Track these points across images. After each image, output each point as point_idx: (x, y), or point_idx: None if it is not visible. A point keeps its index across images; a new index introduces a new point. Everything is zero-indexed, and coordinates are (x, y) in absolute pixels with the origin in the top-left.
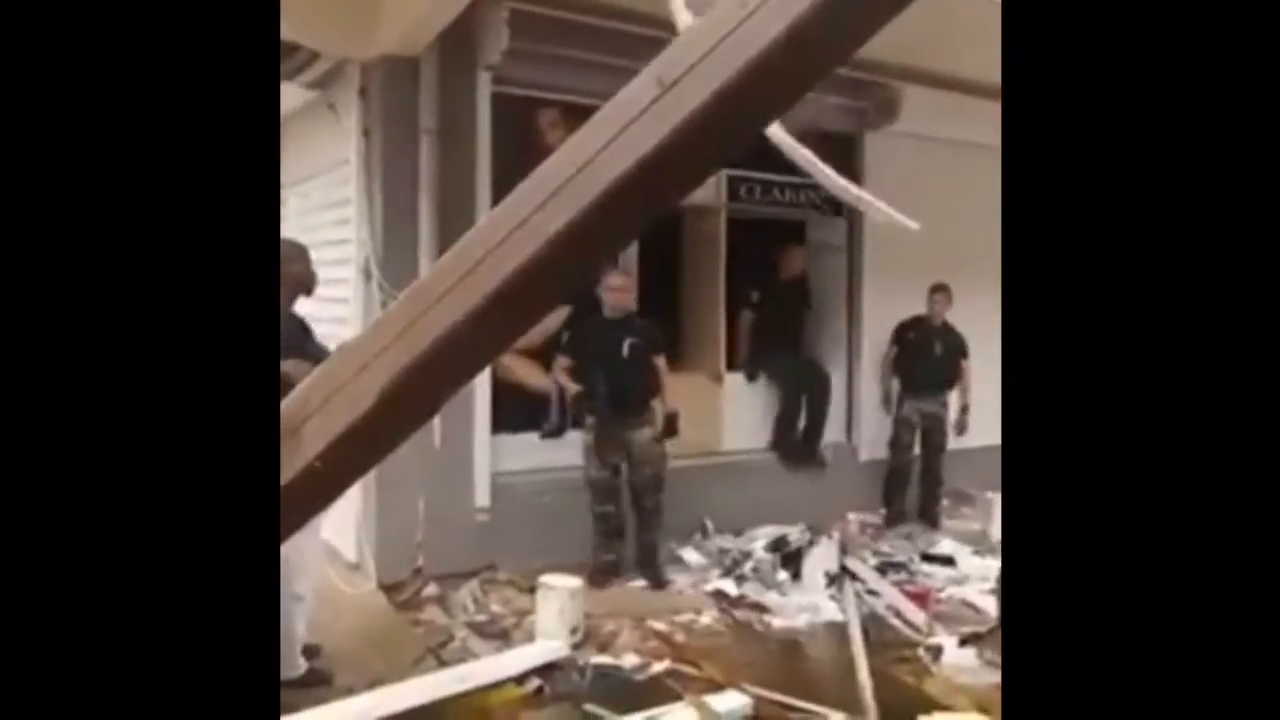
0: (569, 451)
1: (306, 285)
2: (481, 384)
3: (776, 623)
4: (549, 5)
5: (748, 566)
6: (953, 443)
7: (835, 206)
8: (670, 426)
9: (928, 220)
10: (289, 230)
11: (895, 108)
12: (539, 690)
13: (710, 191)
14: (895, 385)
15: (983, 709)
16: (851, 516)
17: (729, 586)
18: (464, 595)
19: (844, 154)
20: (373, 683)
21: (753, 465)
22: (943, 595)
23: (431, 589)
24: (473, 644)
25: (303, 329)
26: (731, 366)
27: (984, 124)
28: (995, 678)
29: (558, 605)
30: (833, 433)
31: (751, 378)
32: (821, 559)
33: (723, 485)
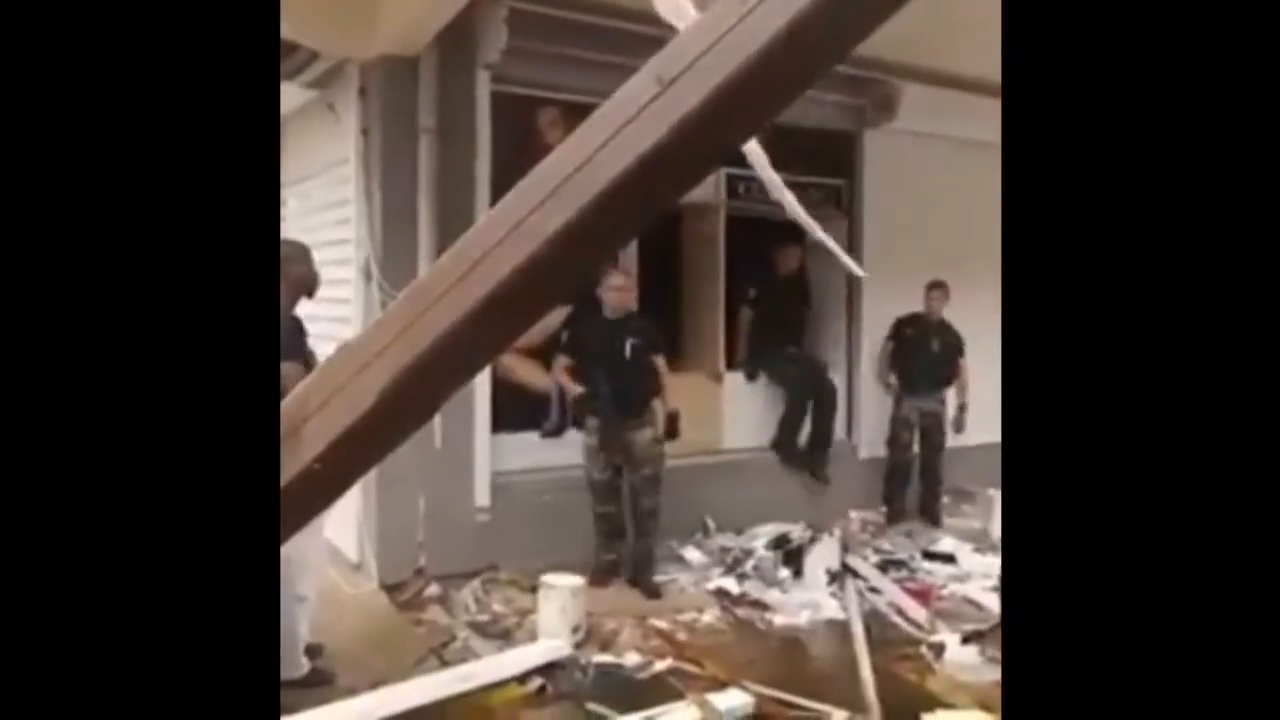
0: (569, 451)
1: (309, 286)
2: (481, 383)
3: (778, 621)
4: (548, 4)
5: (749, 565)
6: (953, 440)
7: (835, 204)
8: (671, 427)
9: (927, 218)
10: (289, 231)
11: (894, 105)
12: (541, 689)
13: (709, 190)
14: (893, 380)
15: (985, 706)
16: (853, 514)
17: (731, 585)
18: (466, 595)
19: (842, 151)
20: (375, 683)
21: (753, 464)
22: (944, 593)
23: (433, 589)
24: (475, 643)
25: (300, 331)
26: (731, 365)
27: (983, 121)
28: (997, 675)
29: (559, 604)
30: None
31: (751, 377)
32: (823, 557)
33: (724, 484)
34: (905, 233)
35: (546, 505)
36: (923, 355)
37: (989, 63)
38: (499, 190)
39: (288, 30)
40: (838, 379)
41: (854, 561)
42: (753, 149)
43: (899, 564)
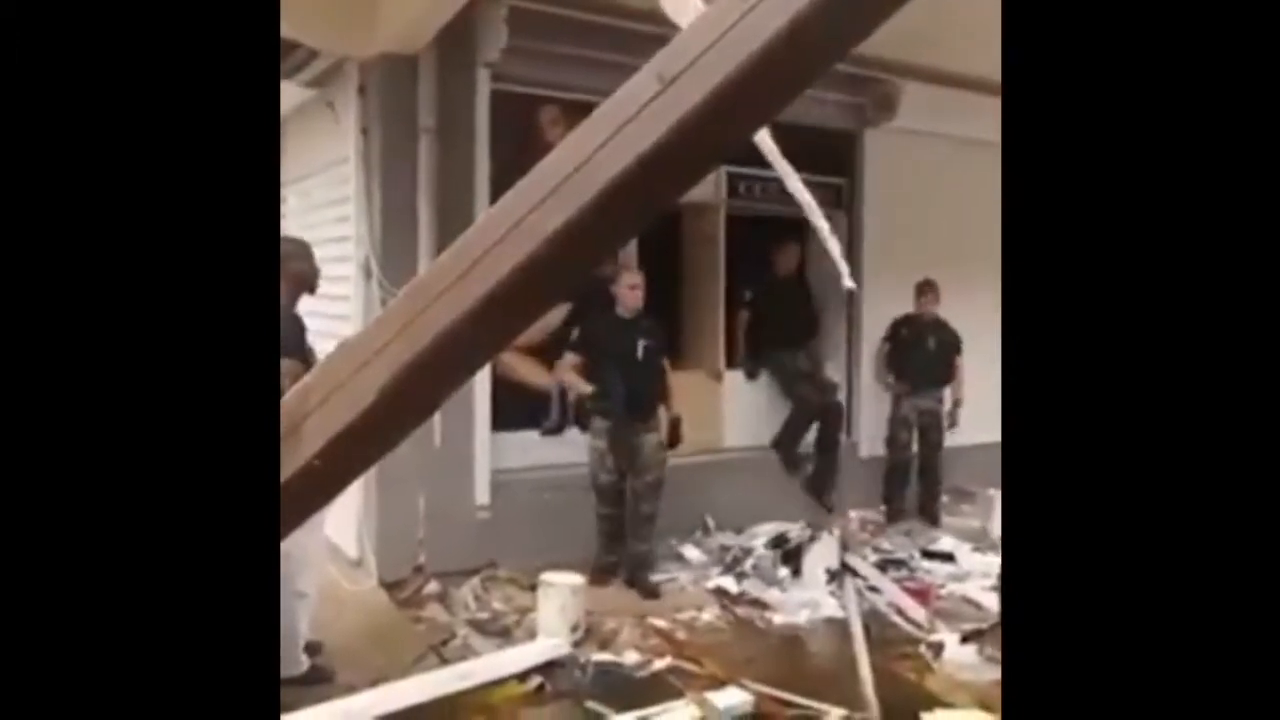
0: (569, 449)
1: (309, 283)
2: (481, 381)
3: (777, 619)
4: (548, 2)
5: (748, 563)
6: (952, 439)
7: (835, 202)
8: (675, 434)
9: (928, 216)
10: (289, 228)
11: (894, 104)
12: (540, 687)
13: (709, 188)
14: (891, 380)
15: (984, 705)
16: (852, 513)
17: (730, 583)
18: (465, 593)
19: (843, 150)
20: (374, 680)
21: (753, 462)
22: (943, 592)
23: (433, 586)
24: (474, 641)
25: (300, 328)
26: (731, 364)
27: (983, 120)
28: (996, 674)
29: (559, 602)
30: None
31: (751, 375)
32: (822, 556)
33: (723, 482)
34: (905, 231)
35: (546, 503)
36: (919, 354)
37: (989, 61)
38: (499, 189)
39: (287, 29)
40: (838, 376)
41: (853, 560)
42: (764, 140)
43: (898, 563)
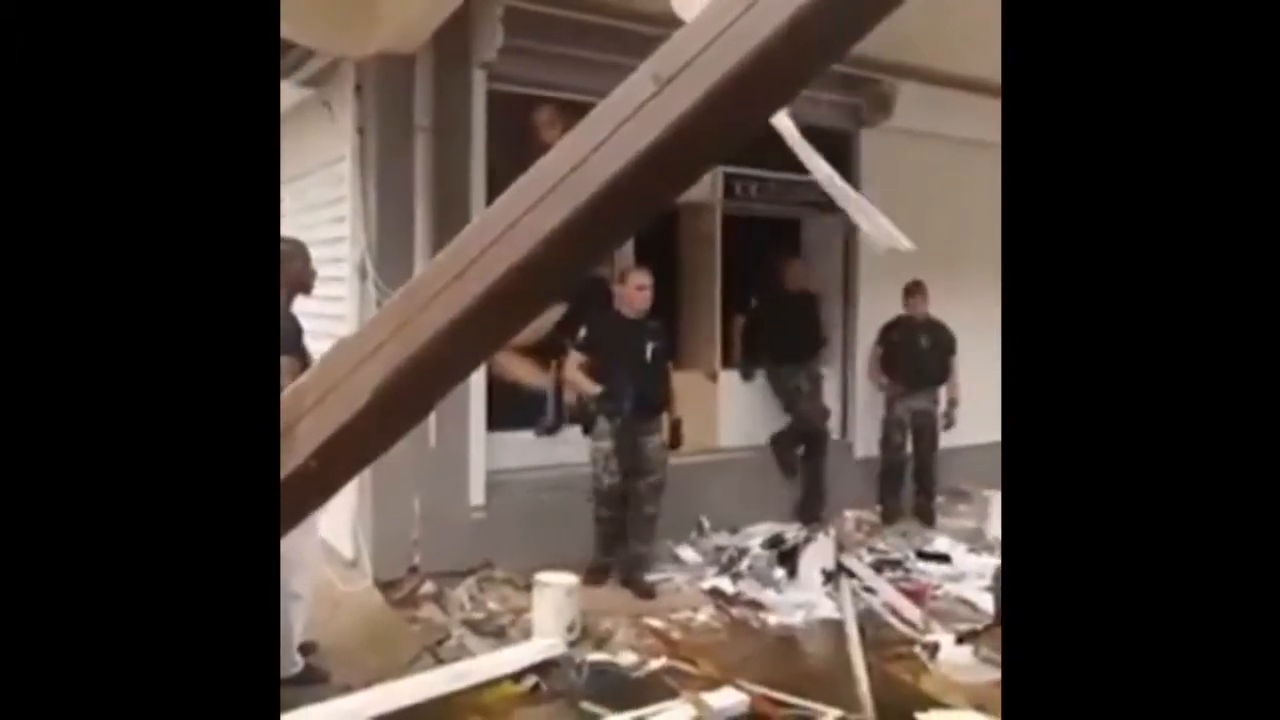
0: (564, 449)
1: (305, 284)
2: (476, 382)
3: (773, 620)
4: (544, 2)
5: (744, 564)
6: (947, 440)
7: (831, 204)
8: (677, 434)
9: (924, 216)
10: (284, 228)
11: (889, 104)
12: (535, 688)
13: (706, 189)
14: (885, 382)
15: (979, 706)
16: (848, 514)
17: (725, 584)
18: (460, 593)
19: (839, 150)
20: (369, 680)
21: (749, 463)
22: (939, 592)
23: (428, 587)
24: (469, 641)
25: (296, 329)
26: (727, 364)
27: (979, 120)
28: (992, 675)
29: (554, 603)
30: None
31: (746, 377)
32: (818, 556)
33: (719, 483)
34: (901, 231)
35: (541, 503)
36: (912, 355)
37: (985, 62)
38: (495, 189)
39: (284, 28)
40: (833, 376)
41: (849, 561)
42: (781, 121)
43: (894, 564)
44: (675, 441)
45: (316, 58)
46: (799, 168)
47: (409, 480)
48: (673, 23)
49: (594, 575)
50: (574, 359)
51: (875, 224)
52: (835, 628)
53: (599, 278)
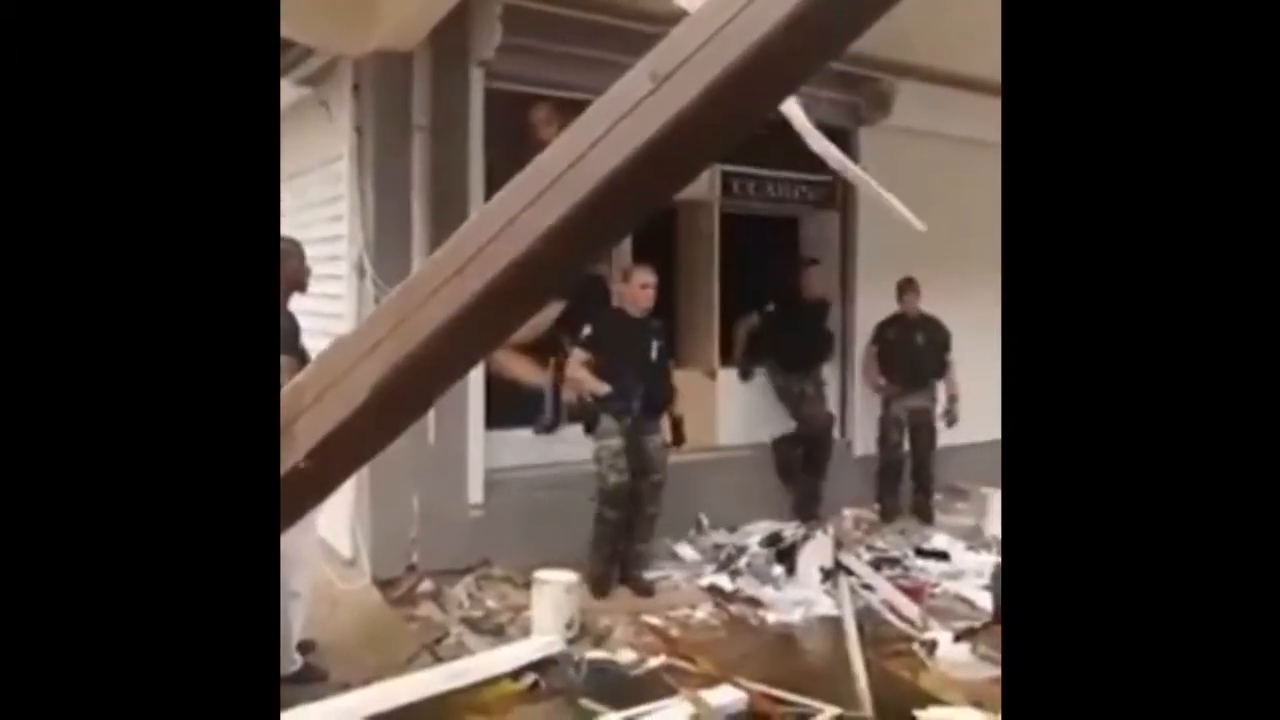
0: (562, 447)
1: (301, 282)
2: (475, 379)
3: (771, 618)
4: (542, 0)
5: (743, 561)
6: (946, 438)
7: (828, 201)
8: (679, 432)
9: (923, 214)
10: (282, 227)
11: (888, 102)
12: (534, 685)
13: (704, 187)
14: (882, 382)
15: (977, 703)
16: (846, 512)
17: (724, 582)
18: (459, 591)
19: (838, 148)
20: (368, 678)
21: (747, 461)
22: (937, 590)
23: (426, 585)
24: (468, 640)
25: (294, 327)
26: (726, 362)
27: (978, 119)
28: (990, 672)
29: (553, 600)
30: None
31: (745, 377)
32: (816, 554)
33: (717, 480)
34: (899, 228)
35: (540, 501)
36: (908, 352)
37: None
38: (493, 187)
39: (282, 27)
40: (831, 375)
41: (847, 559)
42: (790, 108)
43: (892, 561)
44: (678, 439)
45: (314, 56)
46: (797, 166)
47: (407, 478)
48: (671, 21)
49: (600, 586)
50: (577, 357)
51: (889, 205)
52: (834, 625)
53: (597, 275)
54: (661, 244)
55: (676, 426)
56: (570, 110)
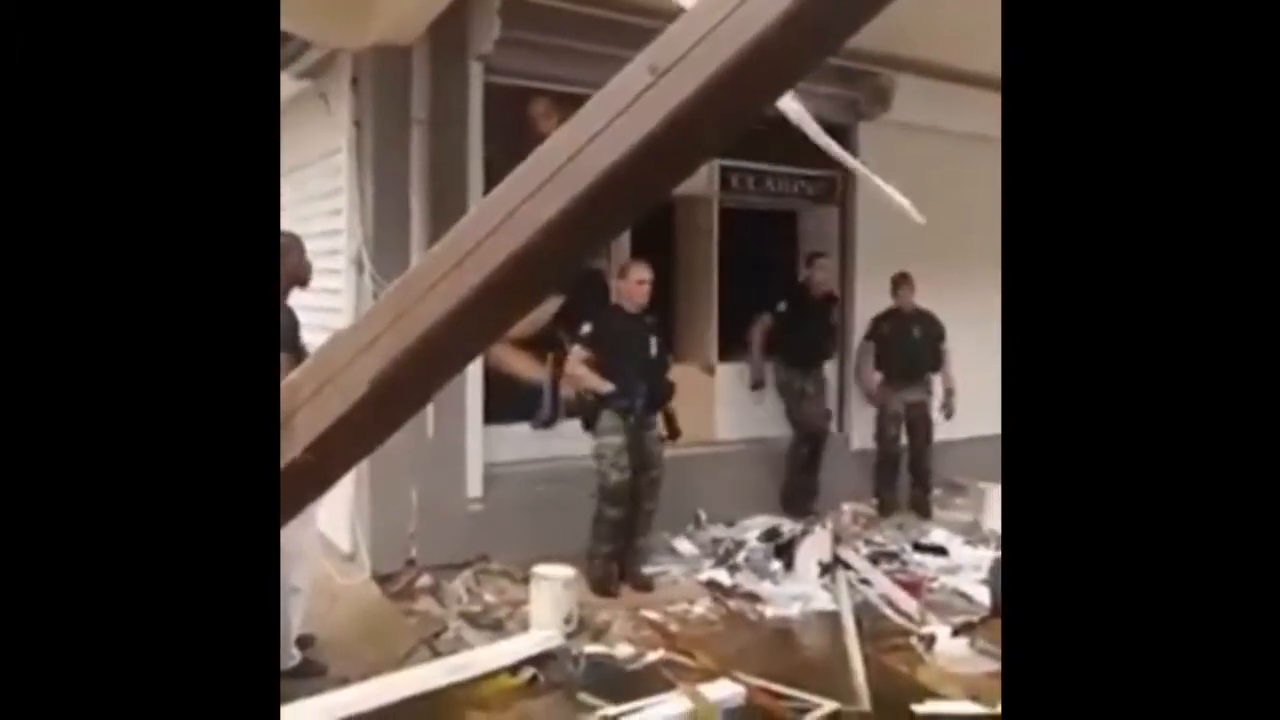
0: (561, 442)
1: (301, 277)
2: (474, 374)
3: (769, 612)
4: None
5: (741, 556)
6: (944, 433)
7: (828, 196)
8: (674, 426)
9: (922, 209)
10: (283, 222)
11: (888, 97)
12: (533, 680)
13: (702, 182)
14: (878, 378)
15: (975, 697)
16: (844, 506)
17: (722, 576)
18: (458, 585)
19: (837, 143)
20: (367, 673)
21: (745, 455)
22: (935, 584)
23: (425, 579)
24: (466, 634)
25: (293, 322)
26: (723, 357)
27: (978, 114)
28: (987, 666)
29: (551, 595)
30: None
31: (757, 386)
32: (814, 549)
33: (715, 475)
34: (899, 223)
35: (538, 496)
36: (904, 347)
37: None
38: (491, 181)
39: (282, 20)
40: (829, 370)
41: (845, 553)
42: (788, 103)
43: (890, 556)
44: (673, 433)
45: (313, 50)
46: (796, 161)
47: (406, 473)
48: (670, 15)
49: (602, 585)
50: (578, 355)
51: (888, 196)
52: (832, 619)
53: (596, 270)
54: (660, 239)
55: (670, 420)
56: (569, 104)
